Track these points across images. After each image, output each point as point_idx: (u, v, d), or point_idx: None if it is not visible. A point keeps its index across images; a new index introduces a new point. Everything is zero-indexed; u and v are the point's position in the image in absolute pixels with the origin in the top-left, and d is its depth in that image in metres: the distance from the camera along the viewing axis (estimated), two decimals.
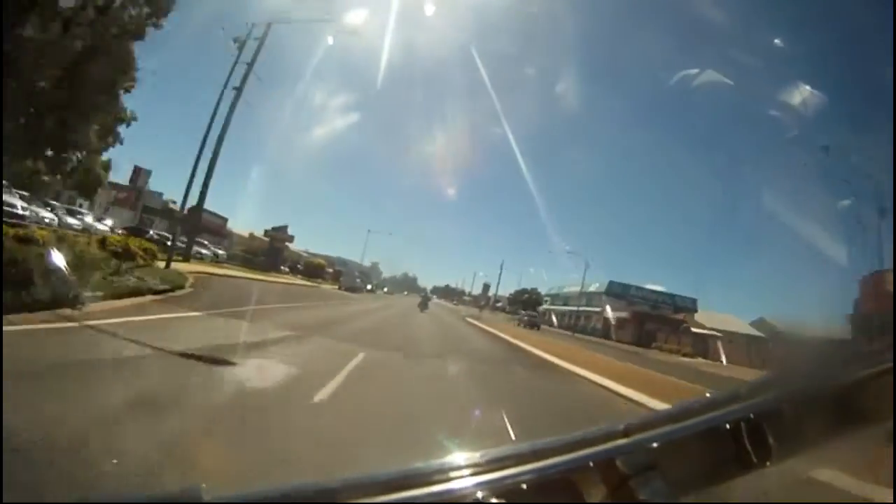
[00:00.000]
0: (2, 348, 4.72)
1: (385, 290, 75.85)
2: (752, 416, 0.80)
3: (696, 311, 43.75)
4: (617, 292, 48.70)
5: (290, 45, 49.53)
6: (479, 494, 0.71)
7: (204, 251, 30.04)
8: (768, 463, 0.79)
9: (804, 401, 0.85)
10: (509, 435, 4.00)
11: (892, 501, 0.83)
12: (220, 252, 33.83)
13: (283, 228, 43.10)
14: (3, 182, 15.36)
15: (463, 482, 0.72)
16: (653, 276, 75.17)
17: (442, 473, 0.74)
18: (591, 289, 49.63)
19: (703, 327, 39.47)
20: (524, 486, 0.72)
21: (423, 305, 31.10)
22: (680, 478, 0.76)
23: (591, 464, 0.75)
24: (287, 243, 43.94)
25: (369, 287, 59.50)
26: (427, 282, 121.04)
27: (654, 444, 0.77)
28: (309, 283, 37.10)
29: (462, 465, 0.75)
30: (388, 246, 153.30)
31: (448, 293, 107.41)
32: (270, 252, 41.85)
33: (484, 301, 35.47)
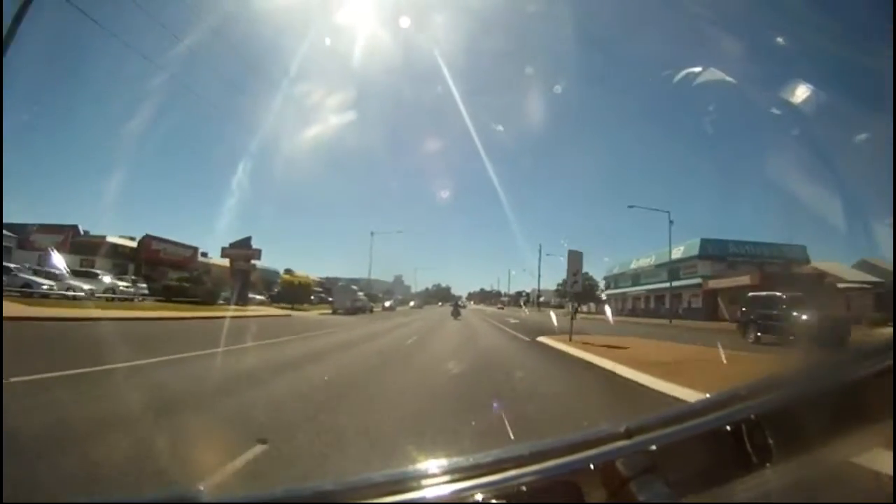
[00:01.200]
0: (2, 355, 4.71)
1: (412, 304, 68.73)
2: (752, 416, 0.80)
3: (808, 261, 32.80)
4: (714, 253, 36.45)
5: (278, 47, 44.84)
6: (479, 496, 0.70)
7: (86, 286, 21.40)
8: (769, 464, 0.79)
9: (804, 401, 0.85)
10: (509, 435, 3.98)
11: (892, 502, 0.83)
12: (122, 284, 25.39)
13: (245, 242, 32.39)
14: None
15: (462, 484, 0.72)
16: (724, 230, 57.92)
17: (441, 475, 0.74)
18: (673, 256, 36.31)
19: (842, 280, 28.45)
20: (524, 489, 0.71)
21: (456, 314, 30.58)
22: (681, 479, 0.75)
23: (592, 466, 0.75)
24: (254, 261, 33.25)
25: (388, 304, 50.05)
26: (461, 289, 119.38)
27: (655, 446, 0.77)
28: (272, 314, 25.29)
29: (462, 467, 0.75)
30: (415, 259, 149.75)
31: (485, 297, 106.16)
32: (236, 277, 30.65)
33: (571, 287, 15.84)
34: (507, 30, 35.70)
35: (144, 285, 27.58)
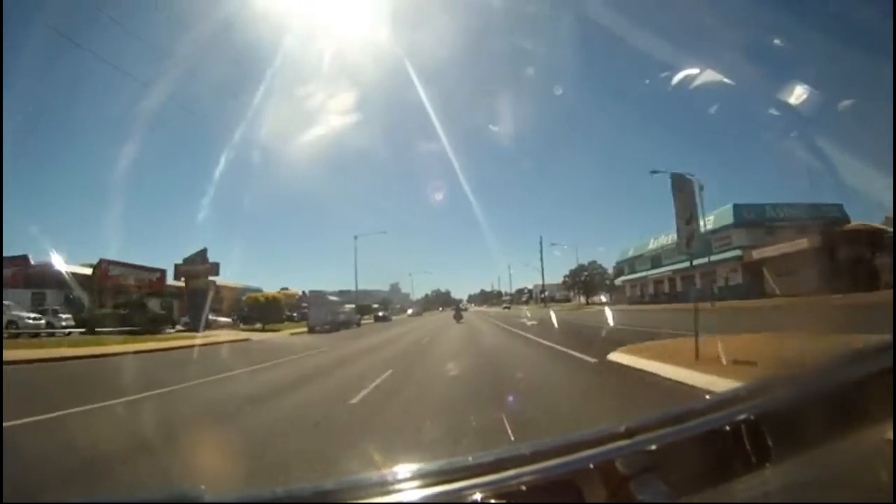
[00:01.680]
0: (2, 357, 4.71)
1: (410, 312, 64.98)
2: (752, 417, 0.80)
3: (849, 219, 27.93)
4: (750, 219, 31.48)
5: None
6: (479, 496, 0.70)
7: None
8: (768, 464, 0.79)
9: (804, 402, 0.85)
10: (508, 435, 3.98)
11: (892, 501, 0.83)
12: (30, 316, 21.36)
13: (200, 256, 28.13)
14: None
15: (462, 483, 0.72)
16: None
17: (441, 475, 0.74)
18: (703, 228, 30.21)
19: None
20: (524, 488, 0.71)
21: (458, 317, 29.82)
22: (680, 479, 0.75)
23: (592, 465, 0.75)
24: (211, 277, 28.85)
25: (381, 314, 46.72)
26: (461, 292, 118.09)
27: (654, 446, 0.77)
28: (225, 339, 20.12)
29: (462, 467, 0.75)
30: (414, 268, 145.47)
31: (485, 298, 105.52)
32: (191, 298, 27.05)
33: (688, 245, 7.18)
34: (504, 29, 35.51)
35: (68, 316, 23.58)
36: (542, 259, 56.13)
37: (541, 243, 55.91)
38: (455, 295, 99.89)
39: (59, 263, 24.25)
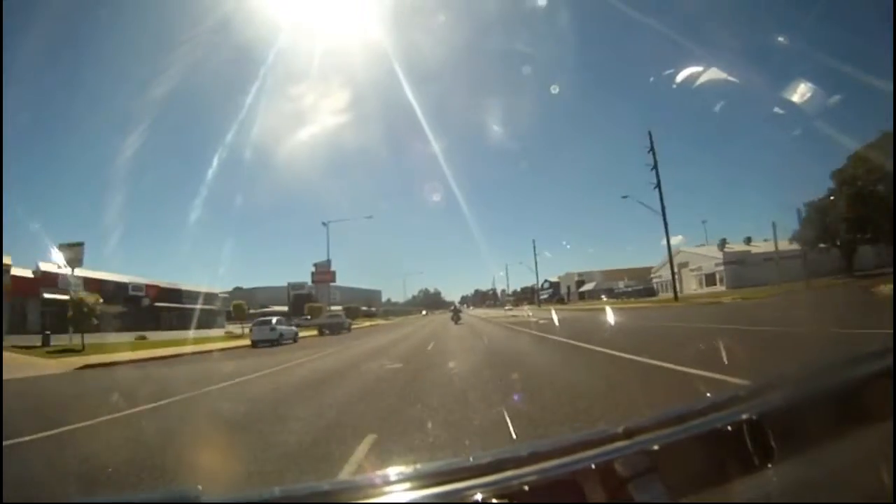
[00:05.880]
0: (2, 359, 4.74)
1: (336, 315, 32.74)
2: (753, 417, 0.80)
3: None
4: None
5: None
6: (479, 496, 0.70)
7: None
8: (770, 464, 0.79)
9: (805, 402, 0.85)
10: (510, 433, 3.98)
11: (892, 501, 0.83)
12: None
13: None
14: None
15: (462, 484, 0.72)
16: None
17: (441, 475, 0.74)
18: None
19: None
20: (525, 488, 0.71)
21: (456, 318, 28.04)
22: (680, 480, 0.75)
23: (592, 466, 0.74)
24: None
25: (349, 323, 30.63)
26: (453, 293, 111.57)
27: (654, 447, 0.77)
28: None
29: (461, 468, 0.75)
30: (405, 267, 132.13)
31: (480, 298, 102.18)
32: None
33: None
34: (498, 29, 35.35)
35: None
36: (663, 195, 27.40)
37: (654, 148, 27.48)
38: (446, 296, 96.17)
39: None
